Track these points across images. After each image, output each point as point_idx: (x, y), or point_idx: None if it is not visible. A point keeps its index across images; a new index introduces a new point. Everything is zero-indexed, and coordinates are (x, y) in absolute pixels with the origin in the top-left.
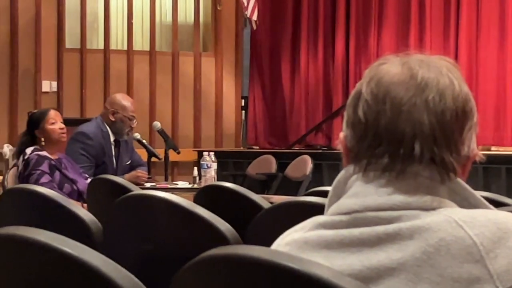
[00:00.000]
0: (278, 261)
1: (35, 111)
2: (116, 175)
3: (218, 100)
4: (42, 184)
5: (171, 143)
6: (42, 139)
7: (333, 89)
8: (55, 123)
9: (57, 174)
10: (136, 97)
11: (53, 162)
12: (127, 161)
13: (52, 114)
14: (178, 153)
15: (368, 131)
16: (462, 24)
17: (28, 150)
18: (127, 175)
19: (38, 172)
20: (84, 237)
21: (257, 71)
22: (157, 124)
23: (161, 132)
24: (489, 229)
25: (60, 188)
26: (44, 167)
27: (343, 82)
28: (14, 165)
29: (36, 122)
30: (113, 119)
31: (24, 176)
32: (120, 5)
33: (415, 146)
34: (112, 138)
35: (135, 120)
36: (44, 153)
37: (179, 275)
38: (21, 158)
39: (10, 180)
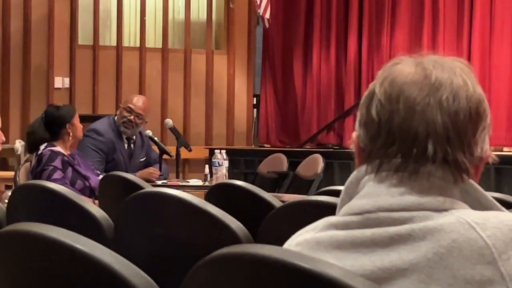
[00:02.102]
0: (290, 260)
1: (60, 105)
2: (127, 172)
3: (230, 98)
4: (54, 180)
5: (182, 141)
6: (71, 133)
7: (345, 88)
8: (79, 121)
9: (69, 170)
10: (148, 94)
11: (66, 158)
12: (142, 158)
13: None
14: (190, 150)
15: (381, 130)
16: (475, 25)
17: (42, 146)
18: (139, 173)
19: (51, 168)
20: (96, 234)
21: (269, 69)
22: (169, 121)
23: (173, 130)
24: (502, 231)
25: (72, 184)
26: (57, 163)
27: (355, 81)
28: (26, 161)
29: (70, 116)
30: (117, 113)
31: (37, 171)
32: (133, 2)
33: (428, 146)
34: (125, 135)
35: (131, 113)
36: (57, 148)
37: (190, 273)
38: (34, 153)
39: (22, 176)
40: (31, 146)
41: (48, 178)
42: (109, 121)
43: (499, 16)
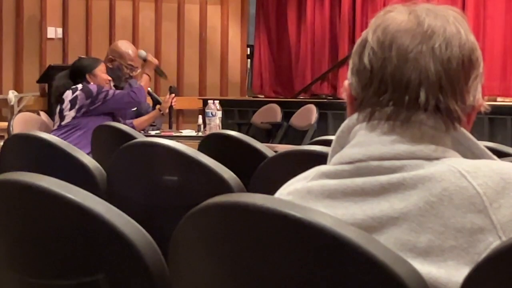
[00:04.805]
0: (281, 209)
1: (84, 57)
2: (115, 121)
3: (223, 48)
4: (116, 95)
5: (158, 70)
6: (92, 83)
7: (339, 38)
8: (104, 73)
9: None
10: (141, 45)
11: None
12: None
13: (104, 65)
14: (166, 78)
15: (374, 78)
16: None
17: (79, 86)
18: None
19: (106, 90)
20: (88, 184)
21: (263, 20)
22: (142, 52)
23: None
24: (493, 179)
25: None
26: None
27: (350, 31)
28: (20, 111)
29: (91, 67)
30: (110, 66)
31: (96, 106)
32: None
33: (420, 94)
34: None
35: (133, 69)
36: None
37: (182, 222)
38: (69, 96)
39: (16, 126)
40: (57, 95)
41: (115, 95)
42: None
43: None
